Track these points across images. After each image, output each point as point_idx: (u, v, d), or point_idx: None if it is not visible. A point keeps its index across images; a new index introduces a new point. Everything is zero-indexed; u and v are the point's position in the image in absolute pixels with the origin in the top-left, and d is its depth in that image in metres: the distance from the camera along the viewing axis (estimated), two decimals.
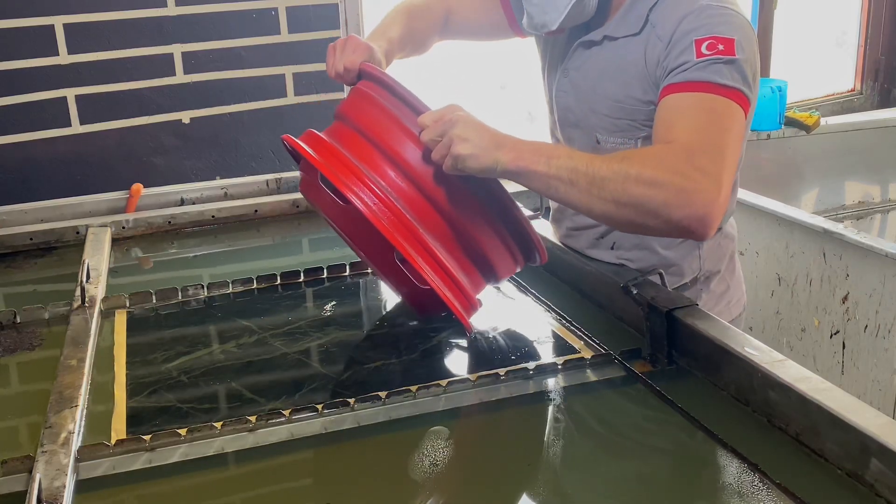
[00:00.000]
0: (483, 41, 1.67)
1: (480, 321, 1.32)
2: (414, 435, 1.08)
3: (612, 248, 1.48)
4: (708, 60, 1.20)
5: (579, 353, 1.26)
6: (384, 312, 1.45)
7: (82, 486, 0.99)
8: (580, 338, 1.30)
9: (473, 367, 1.23)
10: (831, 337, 2.35)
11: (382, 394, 1.12)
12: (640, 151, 1.21)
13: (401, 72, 1.54)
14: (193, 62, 2.29)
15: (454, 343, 1.31)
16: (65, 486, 0.94)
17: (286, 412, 1.09)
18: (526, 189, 1.17)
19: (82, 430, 1.08)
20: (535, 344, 1.32)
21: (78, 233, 1.81)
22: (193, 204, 1.99)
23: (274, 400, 1.16)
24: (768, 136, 2.94)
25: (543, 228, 1.61)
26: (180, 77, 2.29)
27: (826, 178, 3.14)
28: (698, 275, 1.47)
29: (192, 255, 1.81)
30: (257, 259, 1.79)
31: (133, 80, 2.24)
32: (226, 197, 2.03)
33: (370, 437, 1.08)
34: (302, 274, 1.56)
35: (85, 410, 1.13)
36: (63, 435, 1.03)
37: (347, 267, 1.57)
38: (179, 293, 1.49)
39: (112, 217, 1.88)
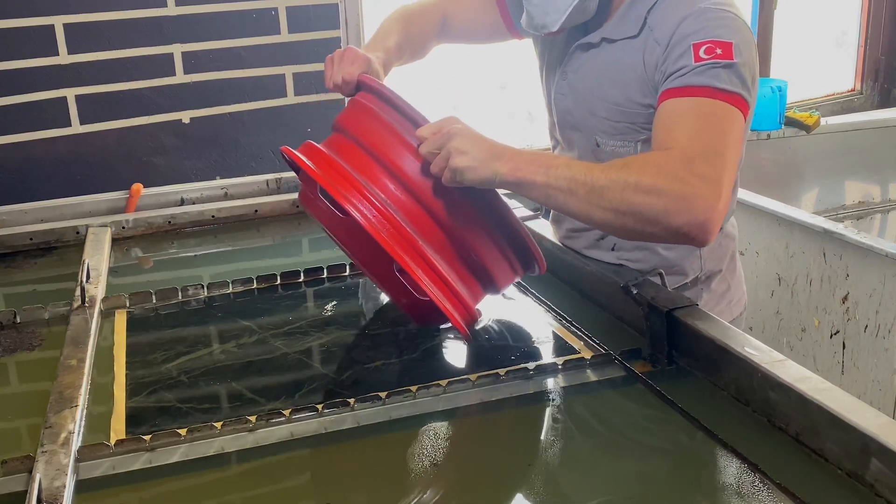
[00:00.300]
0: (480, 44, 1.67)
1: (481, 321, 1.32)
2: (414, 435, 1.08)
3: (612, 250, 1.48)
4: (706, 65, 1.20)
5: (579, 353, 1.26)
6: (384, 312, 1.45)
7: (82, 486, 0.99)
8: (580, 338, 1.30)
9: (473, 367, 1.23)
10: (831, 337, 2.35)
11: (382, 394, 1.12)
12: (638, 158, 1.21)
13: (401, 74, 1.55)
14: (193, 62, 2.29)
15: (454, 343, 1.31)
16: (65, 486, 0.94)
17: (286, 412, 1.08)
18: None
19: (82, 430, 1.08)
20: (535, 344, 1.32)
21: (78, 233, 1.81)
22: (193, 204, 1.99)
23: (274, 400, 1.16)
24: (768, 136, 2.94)
25: (543, 229, 1.61)
26: (180, 77, 2.29)
27: (826, 178, 3.14)
28: (699, 275, 1.47)
29: (192, 255, 1.81)
30: (257, 259, 1.79)
31: (133, 80, 2.24)
32: (226, 197, 2.03)
33: (370, 437, 1.08)
34: (302, 274, 1.56)
35: (85, 410, 1.13)
36: (63, 435, 1.03)
37: (347, 267, 1.57)
38: (179, 293, 1.49)
39: (112, 217, 1.88)
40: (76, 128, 2.22)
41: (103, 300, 1.45)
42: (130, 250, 1.81)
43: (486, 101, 3.69)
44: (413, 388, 1.14)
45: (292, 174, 2.07)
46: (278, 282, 1.54)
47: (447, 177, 1.13)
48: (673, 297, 1.24)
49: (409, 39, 1.51)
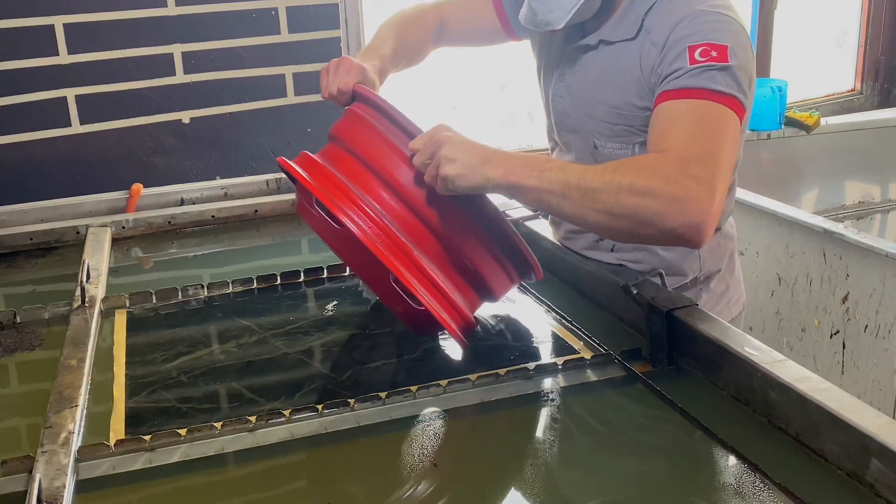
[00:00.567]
0: (478, 47, 1.66)
1: (481, 321, 1.32)
2: (414, 435, 1.08)
3: (611, 251, 1.48)
4: (701, 67, 1.20)
5: (579, 353, 1.26)
6: (384, 312, 1.45)
7: (82, 486, 0.99)
8: (580, 338, 1.30)
9: (473, 367, 1.22)
10: (831, 337, 2.35)
11: (382, 394, 1.12)
12: (632, 161, 1.21)
13: (401, 76, 1.54)
14: (193, 62, 2.29)
15: (454, 343, 1.31)
16: (65, 486, 0.94)
17: (286, 412, 1.08)
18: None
19: (82, 430, 1.08)
20: (535, 344, 1.32)
21: (78, 233, 1.81)
22: (193, 204, 1.99)
23: (274, 400, 1.16)
24: (768, 136, 2.94)
25: (543, 229, 1.61)
26: (180, 77, 2.29)
27: (826, 178, 3.14)
28: (699, 275, 1.47)
29: (192, 255, 1.81)
30: (257, 259, 1.79)
31: (133, 80, 2.25)
32: (226, 197, 2.03)
33: (370, 437, 1.08)
34: (302, 274, 1.56)
35: (85, 410, 1.13)
36: (63, 435, 1.03)
37: (347, 267, 1.57)
38: (179, 293, 1.49)
39: (112, 217, 1.88)
40: (76, 128, 2.22)
41: (103, 300, 1.45)
42: (130, 250, 1.81)
43: (486, 101, 3.69)
44: (413, 388, 1.14)
45: None
46: (278, 282, 1.54)
47: (440, 185, 1.13)
48: (673, 297, 1.24)
49: (405, 46, 1.51)
